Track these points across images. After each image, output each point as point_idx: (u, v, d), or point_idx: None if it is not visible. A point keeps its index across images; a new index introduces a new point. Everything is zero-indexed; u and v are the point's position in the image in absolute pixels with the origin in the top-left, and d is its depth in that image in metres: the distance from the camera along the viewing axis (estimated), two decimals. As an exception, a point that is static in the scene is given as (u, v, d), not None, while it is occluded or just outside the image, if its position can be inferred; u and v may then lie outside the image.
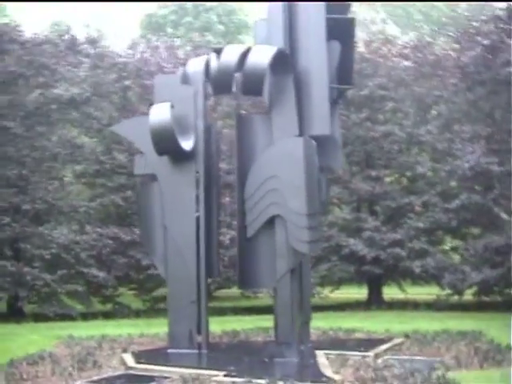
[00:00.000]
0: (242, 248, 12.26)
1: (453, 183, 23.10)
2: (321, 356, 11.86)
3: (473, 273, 20.67)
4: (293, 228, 11.57)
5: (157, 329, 16.54)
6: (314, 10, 12.37)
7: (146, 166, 13.53)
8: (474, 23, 22.69)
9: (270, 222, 11.94)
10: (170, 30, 29.58)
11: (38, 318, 20.62)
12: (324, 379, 9.72)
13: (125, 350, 13.27)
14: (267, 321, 18.36)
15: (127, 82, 22.47)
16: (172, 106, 12.70)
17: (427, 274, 23.07)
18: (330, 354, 12.09)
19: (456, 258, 23.05)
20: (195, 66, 13.94)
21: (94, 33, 24.87)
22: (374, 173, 23.60)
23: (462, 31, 22.77)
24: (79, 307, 21.95)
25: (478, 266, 20.93)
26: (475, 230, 24.13)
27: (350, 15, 13.71)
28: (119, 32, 36.98)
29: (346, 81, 13.23)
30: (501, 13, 21.37)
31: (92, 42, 23.16)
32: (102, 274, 21.14)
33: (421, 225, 22.88)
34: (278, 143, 11.93)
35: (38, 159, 21.18)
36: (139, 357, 12.15)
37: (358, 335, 15.22)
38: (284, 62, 11.99)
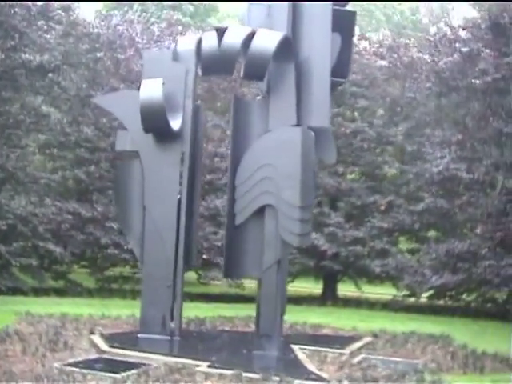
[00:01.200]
0: (229, 235, 11.93)
1: (418, 186, 23.24)
2: (297, 351, 11.67)
3: (433, 277, 20.86)
4: (284, 219, 11.31)
5: (116, 310, 16.14)
6: (320, 6, 12.08)
7: (129, 143, 12.99)
8: (451, 30, 22.76)
9: (260, 211, 11.64)
10: (136, 7, 28.62)
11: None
12: (312, 376, 9.50)
13: (91, 332, 12.75)
14: (226, 309, 18.26)
15: (99, 54, 21.67)
16: (163, 83, 12.22)
17: (387, 274, 23.21)
18: (304, 348, 11.92)
19: (415, 260, 23.24)
20: (187, 44, 13.47)
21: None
22: (341, 169, 23.56)
23: (441, 35, 22.85)
24: (31, 282, 21.18)
25: (438, 270, 21.14)
26: (436, 234, 24.43)
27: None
28: (82, 4, 35.75)
29: (342, 74, 13.02)
30: (480, 21, 21.52)
31: (65, 9, 22.19)
32: (58, 250, 20.41)
33: (384, 225, 22.99)
34: (275, 131, 11.63)
35: (1, 125, 20.20)
36: (110, 340, 11.67)
37: (326, 331, 15.10)
38: (287, 48, 11.68)
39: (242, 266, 11.86)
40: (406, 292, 23.11)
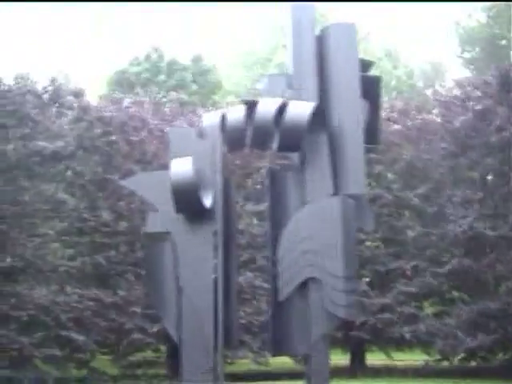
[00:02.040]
0: (273, 312, 11.50)
1: (442, 247, 22.89)
2: None
3: (468, 339, 20.29)
4: (329, 291, 10.92)
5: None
6: (348, 65, 12.06)
7: (160, 224, 12.69)
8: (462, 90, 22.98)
9: (303, 285, 11.25)
10: (139, 90, 28.93)
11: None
12: None
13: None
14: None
15: (113, 137, 21.69)
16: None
17: (418, 339, 22.58)
18: None
19: (445, 323, 22.64)
20: (211, 119, 13.40)
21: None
22: (362, 236, 23.23)
23: (452, 96, 23.06)
24: (54, 373, 20.51)
25: (471, 332, 20.59)
26: (462, 295, 23.95)
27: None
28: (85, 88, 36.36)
29: (372, 140, 12.87)
30: (490, 78, 21.76)
31: (76, 94, 22.40)
32: (81, 338, 19.82)
33: (411, 289, 22.51)
34: (314, 202, 11.37)
35: (19, 214, 20.01)
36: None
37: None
38: (320, 118, 11.58)
39: (288, 342, 11.39)
40: (438, 356, 22.46)
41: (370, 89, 12.48)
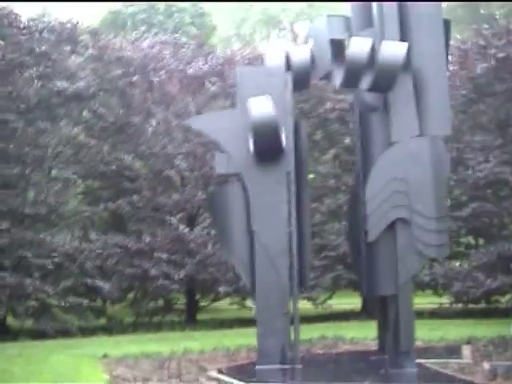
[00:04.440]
0: (364, 253, 11.53)
1: (462, 192, 23.23)
2: (427, 365, 11.64)
3: (488, 280, 20.83)
4: (420, 232, 10.99)
5: (189, 343, 15.65)
6: (429, 8, 11.87)
7: (230, 165, 12.53)
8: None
9: (391, 227, 11.28)
10: (141, 28, 28.06)
11: (33, 334, 18.96)
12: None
13: (203, 369, 12.20)
14: (315, 330, 17.48)
15: (134, 78, 21.09)
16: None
17: (435, 282, 23.01)
18: (427, 362, 11.86)
19: (463, 267, 23.12)
20: (275, 59, 13.16)
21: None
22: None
23: (470, 44, 22.97)
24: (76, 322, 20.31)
25: (491, 274, 21.14)
26: (480, 239, 24.49)
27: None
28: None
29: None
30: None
31: (93, 32, 21.60)
32: (107, 286, 19.60)
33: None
34: (402, 143, 11.34)
35: (40, 158, 19.43)
36: (244, 375, 11.12)
37: (419, 343, 14.70)
38: (405, 58, 11.41)
39: (378, 283, 11.50)
40: (452, 299, 23.03)
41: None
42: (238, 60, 23.00)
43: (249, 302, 22.78)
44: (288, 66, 13.02)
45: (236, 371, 11.78)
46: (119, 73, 20.89)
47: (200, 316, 23.52)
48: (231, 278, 20.67)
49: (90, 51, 21.02)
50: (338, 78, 12.07)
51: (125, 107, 21.30)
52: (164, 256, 20.37)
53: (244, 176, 12.40)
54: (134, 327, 20.88)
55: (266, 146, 11.77)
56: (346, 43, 12.61)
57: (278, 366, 11.79)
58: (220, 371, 11.74)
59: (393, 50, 10.99)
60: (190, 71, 21.98)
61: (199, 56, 22.94)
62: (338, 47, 12.13)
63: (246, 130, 12.04)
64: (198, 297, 23.50)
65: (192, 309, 23.47)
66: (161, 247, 20.55)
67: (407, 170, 11.17)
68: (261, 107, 11.67)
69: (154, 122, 21.18)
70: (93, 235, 19.94)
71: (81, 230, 20.01)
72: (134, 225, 21.23)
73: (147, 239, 20.35)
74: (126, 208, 20.72)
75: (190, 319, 22.72)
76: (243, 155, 12.32)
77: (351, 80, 11.38)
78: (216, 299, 23.67)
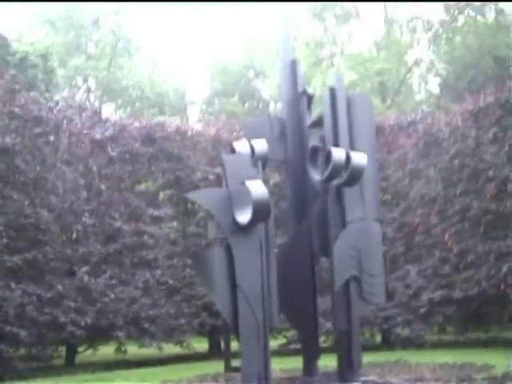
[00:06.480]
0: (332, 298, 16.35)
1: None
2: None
3: None
4: (367, 286, 16.07)
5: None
6: (367, 124, 17.23)
7: (218, 231, 16.48)
8: None
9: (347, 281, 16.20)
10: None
11: None
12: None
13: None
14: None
15: (51, 138, 23.55)
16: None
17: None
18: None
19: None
20: (244, 148, 17.46)
21: None
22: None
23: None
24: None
25: None
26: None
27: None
28: None
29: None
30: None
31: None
32: (23, 333, 21.57)
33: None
34: (354, 223, 16.21)
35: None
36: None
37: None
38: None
39: (337, 322, 16.29)
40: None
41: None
42: (131, 130, 26.85)
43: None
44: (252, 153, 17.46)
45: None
46: (39, 131, 23.20)
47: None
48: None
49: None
50: (314, 174, 16.93)
51: (40, 164, 23.57)
52: (72, 304, 22.97)
53: (230, 240, 16.39)
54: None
55: (260, 218, 15.98)
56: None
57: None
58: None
59: (359, 156, 16.07)
60: (97, 136, 25.09)
61: (96, 122, 26.15)
62: (314, 151, 16.95)
63: (231, 205, 16.16)
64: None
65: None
66: (69, 296, 23.09)
67: (361, 242, 16.21)
68: (257, 189, 15.86)
69: (64, 180, 23.79)
70: (13, 284, 21.75)
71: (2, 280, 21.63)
72: (47, 274, 23.38)
73: (58, 288, 22.78)
74: (40, 259, 22.89)
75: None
76: (229, 224, 16.37)
77: (333, 176, 16.14)
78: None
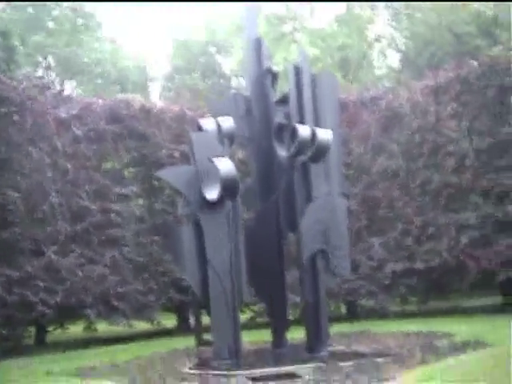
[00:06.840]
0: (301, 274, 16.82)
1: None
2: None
3: None
4: (334, 258, 16.63)
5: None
6: (332, 103, 17.69)
7: (189, 208, 16.85)
8: None
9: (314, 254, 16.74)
10: None
11: None
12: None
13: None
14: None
15: (15, 117, 23.50)
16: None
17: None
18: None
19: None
20: (211, 125, 17.77)
21: None
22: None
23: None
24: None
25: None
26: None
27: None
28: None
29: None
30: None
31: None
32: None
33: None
34: (321, 198, 16.77)
35: None
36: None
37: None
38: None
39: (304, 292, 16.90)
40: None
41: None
42: (95, 108, 26.90)
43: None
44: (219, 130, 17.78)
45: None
46: (4, 111, 23.14)
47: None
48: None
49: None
50: (280, 151, 17.32)
51: (5, 144, 23.55)
52: (41, 284, 23.14)
53: (201, 216, 16.78)
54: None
55: (231, 193, 16.34)
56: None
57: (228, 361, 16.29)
58: (190, 368, 15.93)
59: (325, 134, 16.51)
60: (62, 114, 25.08)
61: (60, 100, 26.11)
62: (279, 128, 17.37)
63: (200, 182, 16.51)
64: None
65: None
66: (38, 275, 23.24)
67: (328, 216, 16.71)
68: (226, 166, 16.25)
69: (30, 160, 23.82)
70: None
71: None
72: (15, 255, 23.46)
73: (28, 268, 22.93)
74: (8, 239, 22.97)
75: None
76: (198, 200, 16.73)
77: (299, 152, 16.55)
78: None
